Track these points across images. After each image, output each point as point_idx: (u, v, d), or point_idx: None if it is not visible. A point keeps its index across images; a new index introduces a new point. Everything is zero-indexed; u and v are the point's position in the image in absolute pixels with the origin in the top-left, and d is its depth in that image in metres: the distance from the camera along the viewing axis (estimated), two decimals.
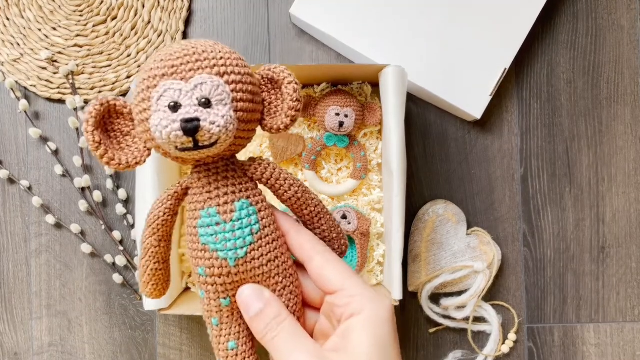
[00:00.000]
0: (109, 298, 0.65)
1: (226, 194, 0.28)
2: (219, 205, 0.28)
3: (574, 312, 0.66)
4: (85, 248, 0.63)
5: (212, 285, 0.29)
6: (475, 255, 0.64)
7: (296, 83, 0.27)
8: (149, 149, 0.27)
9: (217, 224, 0.28)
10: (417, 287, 0.64)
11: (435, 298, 0.65)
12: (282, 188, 0.30)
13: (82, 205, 0.63)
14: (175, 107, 0.24)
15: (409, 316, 0.65)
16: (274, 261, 0.28)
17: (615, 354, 0.66)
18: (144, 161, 0.27)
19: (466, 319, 0.64)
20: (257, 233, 0.28)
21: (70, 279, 0.65)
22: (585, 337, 0.66)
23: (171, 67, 0.24)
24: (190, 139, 0.24)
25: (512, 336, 0.65)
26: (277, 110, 0.27)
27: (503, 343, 0.65)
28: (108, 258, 0.64)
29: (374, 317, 0.26)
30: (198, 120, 0.24)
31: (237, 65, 0.25)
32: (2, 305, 0.65)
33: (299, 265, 0.30)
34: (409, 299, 0.65)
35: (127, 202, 0.65)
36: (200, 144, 0.24)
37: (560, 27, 0.67)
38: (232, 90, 0.25)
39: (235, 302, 0.29)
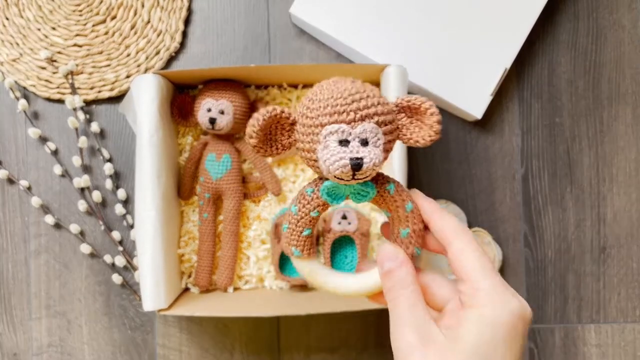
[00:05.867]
0: (108, 298, 0.64)
1: (220, 149, 0.58)
2: (216, 153, 0.58)
3: (575, 313, 0.66)
4: (85, 248, 0.63)
5: (204, 186, 0.59)
6: None
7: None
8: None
9: (213, 161, 0.58)
10: None
11: None
12: (247, 155, 0.60)
13: (82, 205, 0.63)
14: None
15: None
16: (233, 183, 0.59)
17: (616, 354, 0.66)
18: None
19: None
20: (228, 169, 0.59)
21: (69, 279, 0.64)
22: (586, 338, 0.66)
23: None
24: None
25: None
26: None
27: None
28: (107, 258, 0.64)
29: (491, 316, 0.27)
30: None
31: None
32: (2, 306, 0.64)
33: (426, 228, 0.32)
34: None
35: (127, 203, 0.65)
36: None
37: (561, 26, 0.67)
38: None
39: (209, 199, 0.59)
